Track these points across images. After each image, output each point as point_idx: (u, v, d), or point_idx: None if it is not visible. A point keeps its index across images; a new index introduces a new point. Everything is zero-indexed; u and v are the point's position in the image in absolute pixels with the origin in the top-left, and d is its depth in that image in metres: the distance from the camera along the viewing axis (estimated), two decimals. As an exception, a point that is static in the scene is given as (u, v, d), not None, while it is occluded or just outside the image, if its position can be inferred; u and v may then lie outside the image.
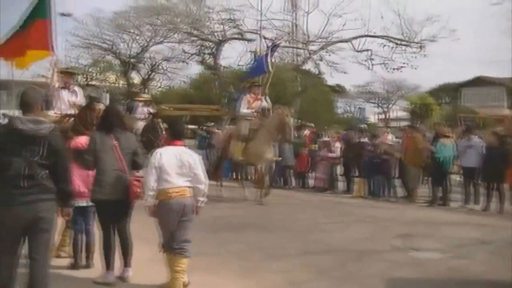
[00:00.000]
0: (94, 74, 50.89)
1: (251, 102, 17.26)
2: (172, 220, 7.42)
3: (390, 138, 19.85)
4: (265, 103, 17.43)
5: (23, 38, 13.16)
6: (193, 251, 8.01)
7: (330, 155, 20.36)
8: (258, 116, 16.97)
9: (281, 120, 15.86)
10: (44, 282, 6.01)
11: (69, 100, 13.77)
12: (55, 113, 13.38)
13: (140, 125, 19.63)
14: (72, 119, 12.16)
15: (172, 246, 7.51)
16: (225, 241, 10.81)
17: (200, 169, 7.55)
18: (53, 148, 5.87)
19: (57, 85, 13.72)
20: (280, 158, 18.54)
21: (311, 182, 21.56)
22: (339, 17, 35.13)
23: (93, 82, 51.76)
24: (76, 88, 14.66)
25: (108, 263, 7.86)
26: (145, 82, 46.77)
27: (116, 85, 52.18)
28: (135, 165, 8.12)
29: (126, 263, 8.06)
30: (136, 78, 48.86)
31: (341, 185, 20.55)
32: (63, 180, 6.07)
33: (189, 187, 7.48)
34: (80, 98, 14.19)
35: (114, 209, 7.73)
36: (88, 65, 49.48)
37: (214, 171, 17.93)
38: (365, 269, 9.10)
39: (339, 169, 20.80)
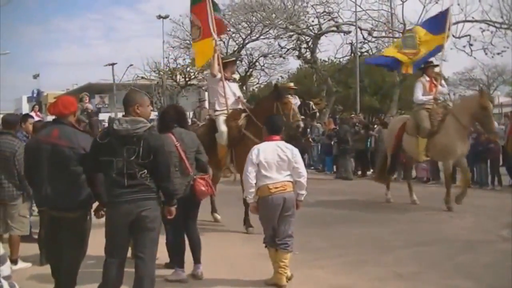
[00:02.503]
0: (193, 74, 51.78)
1: (427, 87, 14.30)
2: (274, 215, 7.46)
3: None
4: (442, 87, 14.73)
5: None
6: (299, 245, 8.08)
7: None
8: (439, 104, 14.36)
9: (481, 105, 12.93)
10: (150, 280, 6.19)
11: (234, 93, 12.10)
12: (216, 110, 11.96)
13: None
14: (245, 115, 11.43)
15: (275, 241, 7.56)
16: (330, 235, 10.85)
17: (299, 163, 7.56)
18: (151, 147, 5.99)
19: (219, 75, 11.94)
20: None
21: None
22: (436, 3, 34.36)
23: (193, 82, 52.73)
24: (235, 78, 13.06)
25: (181, 261, 8.03)
26: (244, 79, 47.22)
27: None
28: (199, 164, 8.19)
29: (196, 259, 8.15)
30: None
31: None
32: (164, 179, 6.20)
33: (289, 181, 7.49)
34: (238, 91, 12.57)
35: (180, 209, 7.47)
36: (186, 65, 50.42)
37: (382, 173, 15.86)
38: (474, 260, 8.95)
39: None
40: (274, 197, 7.38)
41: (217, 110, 11.86)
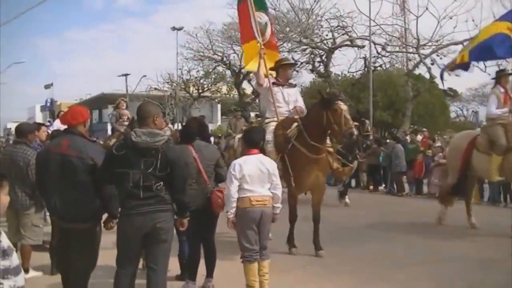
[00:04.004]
0: (206, 86, 51.94)
1: (502, 98, 12.60)
2: (252, 228, 7.38)
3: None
4: None
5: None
6: (309, 260, 8.01)
7: (442, 161, 19.90)
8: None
9: None
10: None
11: (287, 100, 10.98)
12: (266, 117, 11.18)
13: None
14: (296, 124, 10.31)
15: (255, 256, 7.44)
16: (341, 250, 10.76)
17: (277, 176, 7.56)
18: (168, 159, 5.99)
19: (265, 83, 10.97)
20: None
21: (425, 188, 21.10)
22: (450, 19, 34.33)
23: (206, 93, 52.89)
24: (292, 83, 11.62)
25: (193, 274, 7.99)
26: (257, 92, 47.20)
27: (228, 95, 52.97)
28: (219, 177, 8.15)
29: (209, 273, 8.11)
30: (248, 88, 49.44)
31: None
32: (179, 191, 6.20)
33: (269, 196, 7.45)
34: (298, 97, 11.37)
35: (196, 220, 7.53)
36: (200, 77, 50.61)
37: (447, 193, 13.88)
38: (487, 279, 8.86)
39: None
40: (253, 209, 7.32)
41: (267, 118, 11.12)
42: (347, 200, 18.01)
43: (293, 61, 12.65)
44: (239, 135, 13.35)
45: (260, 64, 11.19)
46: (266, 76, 11.04)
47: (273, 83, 10.95)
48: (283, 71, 11.16)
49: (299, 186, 10.26)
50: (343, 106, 9.67)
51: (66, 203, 6.39)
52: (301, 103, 11.16)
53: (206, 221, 8.00)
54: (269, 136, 10.30)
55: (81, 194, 6.37)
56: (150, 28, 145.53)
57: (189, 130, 8.29)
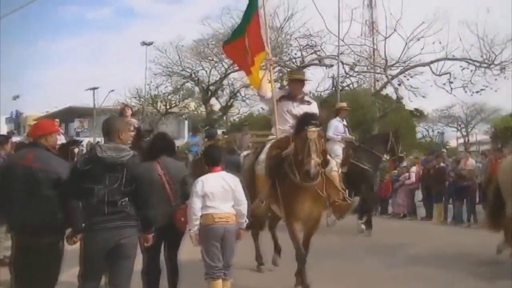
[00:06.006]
0: (174, 102, 51.79)
1: None
2: (215, 245, 7.41)
3: (471, 162, 19.50)
4: None
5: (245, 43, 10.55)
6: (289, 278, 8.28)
7: (407, 181, 20.14)
8: None
9: None
10: None
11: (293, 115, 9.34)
12: (271, 134, 10.14)
13: (336, 149, 14.85)
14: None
15: (219, 273, 7.43)
16: (321, 267, 10.58)
17: (240, 192, 7.54)
18: (134, 175, 6.00)
19: (268, 95, 10.14)
20: None
21: (389, 208, 21.26)
22: (418, 40, 34.75)
23: (174, 109, 52.73)
24: (309, 99, 10.51)
25: None
26: (225, 109, 47.18)
27: (196, 112, 52.84)
28: (185, 195, 7.84)
29: None
30: (216, 105, 49.39)
31: (420, 210, 20.18)
32: (144, 207, 6.19)
33: (233, 213, 7.47)
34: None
35: (160, 238, 7.46)
36: (168, 92, 50.44)
37: (495, 218, 11.62)
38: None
39: (418, 195, 20.55)
40: (216, 227, 7.35)
41: (271, 134, 10.07)
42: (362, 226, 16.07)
43: (301, 77, 10.48)
44: (246, 152, 12.46)
45: (264, 74, 10.54)
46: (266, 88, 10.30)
47: (283, 97, 10.01)
48: (290, 84, 10.39)
49: (292, 217, 8.86)
50: (312, 134, 8.00)
51: (28, 216, 6.30)
52: None
53: (170, 239, 7.89)
54: (262, 156, 9.50)
55: (44, 207, 6.28)
56: (121, 42, 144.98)
57: (155, 146, 8.17)
